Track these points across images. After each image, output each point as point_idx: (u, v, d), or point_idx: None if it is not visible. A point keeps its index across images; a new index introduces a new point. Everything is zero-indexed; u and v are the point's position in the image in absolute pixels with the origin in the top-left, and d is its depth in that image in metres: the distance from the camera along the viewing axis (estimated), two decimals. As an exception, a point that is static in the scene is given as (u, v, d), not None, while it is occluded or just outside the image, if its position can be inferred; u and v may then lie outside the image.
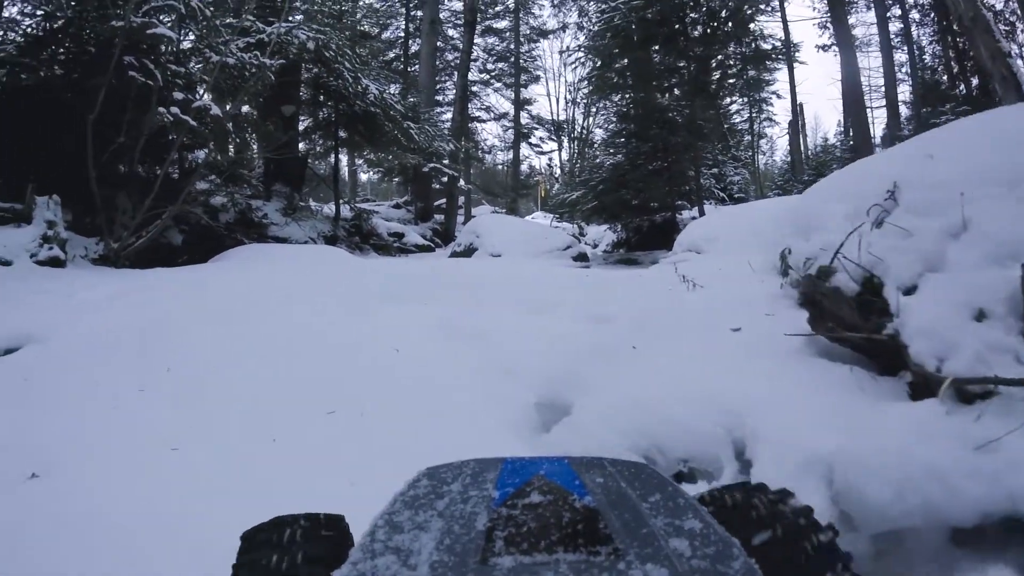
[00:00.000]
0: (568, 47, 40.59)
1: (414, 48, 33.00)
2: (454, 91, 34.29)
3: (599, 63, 22.87)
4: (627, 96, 22.45)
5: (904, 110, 30.06)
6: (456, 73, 32.44)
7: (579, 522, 0.69)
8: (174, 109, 10.63)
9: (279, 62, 12.79)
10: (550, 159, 44.68)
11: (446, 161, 22.52)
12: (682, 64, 19.75)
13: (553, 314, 6.22)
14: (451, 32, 34.32)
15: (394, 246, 19.81)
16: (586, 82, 39.83)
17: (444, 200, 27.34)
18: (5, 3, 12.11)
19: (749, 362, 3.87)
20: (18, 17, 12.31)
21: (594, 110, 42.62)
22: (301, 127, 20.16)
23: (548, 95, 47.14)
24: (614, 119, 24.78)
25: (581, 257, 14.91)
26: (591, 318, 5.96)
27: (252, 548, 0.98)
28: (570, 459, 0.86)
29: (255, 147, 17.68)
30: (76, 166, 10.68)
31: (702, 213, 17.35)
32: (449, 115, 29.22)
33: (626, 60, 20.40)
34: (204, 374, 4.56)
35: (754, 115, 37.34)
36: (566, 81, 62.11)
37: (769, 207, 10.14)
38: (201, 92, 12.05)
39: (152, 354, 5.01)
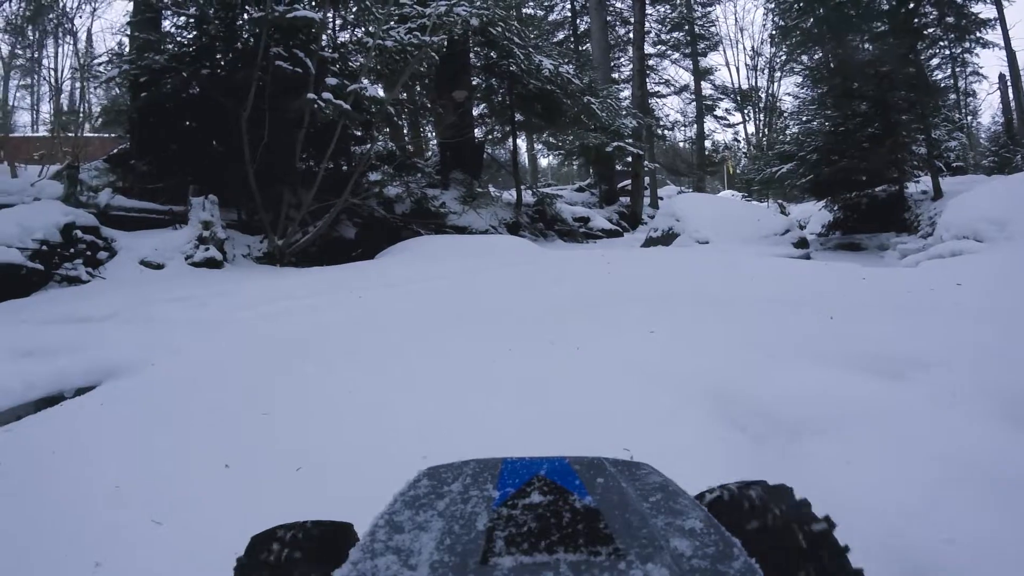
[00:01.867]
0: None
1: (582, 27, 30.91)
2: (629, 67, 32.23)
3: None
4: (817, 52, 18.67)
5: None
6: (631, 47, 30.17)
7: (579, 522, 0.64)
8: (326, 95, 9.22)
9: (441, 39, 11.15)
10: (736, 133, 40.99)
11: (629, 140, 20.39)
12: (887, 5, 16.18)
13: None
14: (618, 5, 31.79)
15: (580, 232, 17.86)
16: (771, 40, 36.70)
17: (629, 181, 25.20)
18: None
19: None
20: (172, 30, 11.47)
21: (778, 75, 38.87)
22: (475, 113, 18.59)
23: (727, 64, 43.13)
24: (809, 80, 20.95)
25: (801, 243, 12.29)
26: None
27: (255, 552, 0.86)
28: (570, 459, 0.79)
29: (428, 134, 16.38)
30: (236, 165, 9.58)
31: (937, 186, 13.93)
32: (626, 93, 26.93)
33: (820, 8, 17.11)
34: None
35: (957, 69, 31.71)
36: (744, 48, 57.67)
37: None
38: (362, 80, 10.62)
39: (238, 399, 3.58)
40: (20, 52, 20.10)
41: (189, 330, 5.31)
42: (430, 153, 18.36)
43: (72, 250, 8.17)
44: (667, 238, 12.41)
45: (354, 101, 9.78)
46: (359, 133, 12.38)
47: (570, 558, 0.58)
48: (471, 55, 16.77)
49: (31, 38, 18.65)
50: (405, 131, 18.05)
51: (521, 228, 16.12)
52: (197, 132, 10.80)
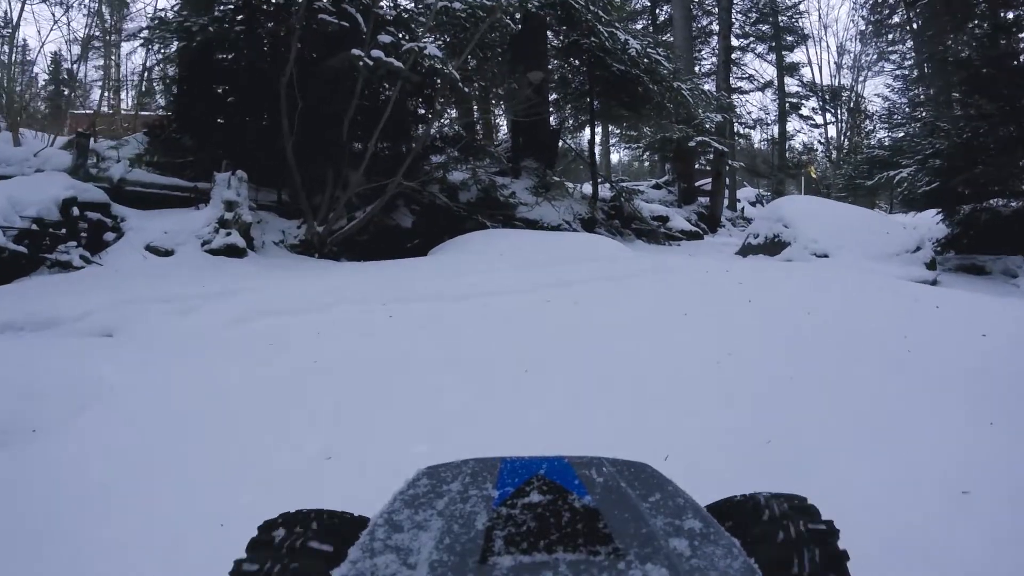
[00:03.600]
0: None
1: (661, 17, 28.70)
2: (709, 61, 29.91)
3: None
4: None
5: None
6: (714, 37, 27.92)
7: (579, 522, 0.63)
8: (376, 52, 7.46)
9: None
10: (821, 134, 38.01)
11: (713, 135, 18.26)
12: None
13: None
14: (699, -7, 29.40)
15: (660, 232, 15.78)
16: (860, 37, 33.88)
17: (708, 180, 23.03)
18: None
19: None
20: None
21: (866, 74, 35.93)
22: (551, 99, 16.62)
23: (809, 63, 40.12)
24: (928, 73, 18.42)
25: (932, 264, 10.09)
26: None
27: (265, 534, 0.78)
28: (569, 458, 0.78)
29: (499, 119, 14.53)
30: (275, 138, 7.95)
31: None
32: (707, 87, 24.70)
33: None
34: None
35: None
36: (827, 47, 54.47)
37: None
38: (423, 39, 8.81)
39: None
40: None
41: (145, 355, 3.66)
42: (500, 139, 16.54)
43: (68, 230, 6.60)
44: (772, 247, 10.29)
45: (412, 64, 8.01)
46: (421, 110, 10.65)
47: (569, 558, 0.57)
48: (548, 34, 14.87)
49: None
50: (475, 111, 16.29)
51: (597, 224, 14.18)
52: (239, 102, 9.19)
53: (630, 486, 0.71)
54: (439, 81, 9.31)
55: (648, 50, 13.62)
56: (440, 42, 10.15)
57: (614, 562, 0.54)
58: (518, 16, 13.62)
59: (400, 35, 8.76)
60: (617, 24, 13.92)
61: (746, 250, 10.97)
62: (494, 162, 13.46)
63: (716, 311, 4.52)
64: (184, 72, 9.53)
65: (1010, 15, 13.80)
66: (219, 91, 9.38)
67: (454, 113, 14.09)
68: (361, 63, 7.40)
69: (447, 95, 10.47)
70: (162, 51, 10.25)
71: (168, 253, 6.81)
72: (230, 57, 9.01)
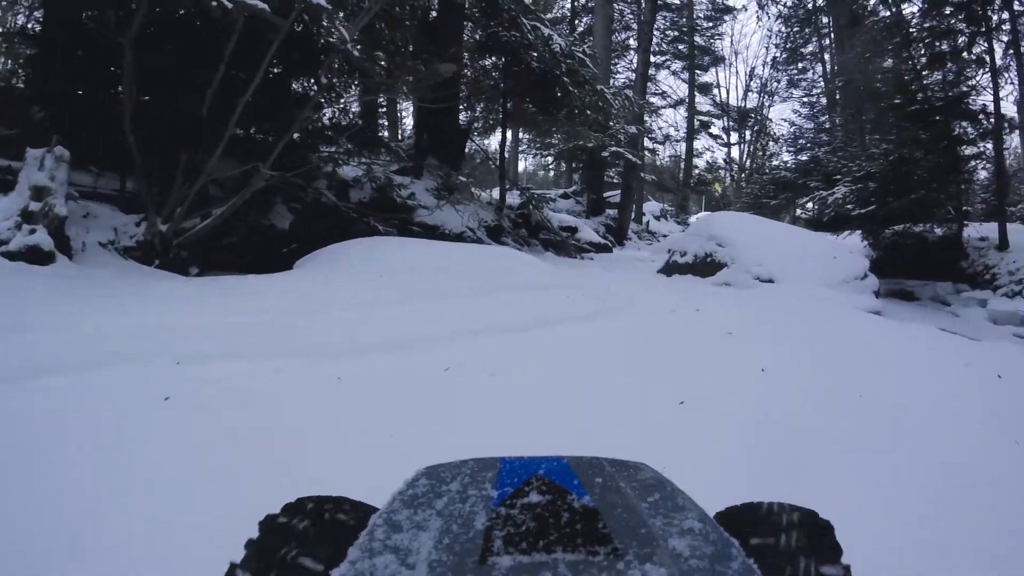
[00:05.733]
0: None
1: (579, 28, 27.78)
2: (625, 75, 29.18)
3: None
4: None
5: None
6: (630, 51, 27.21)
7: (578, 522, 0.62)
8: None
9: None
10: (728, 153, 38.00)
11: (626, 146, 17.37)
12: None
13: None
14: (621, 6, 28.74)
15: (571, 243, 14.59)
16: (773, 63, 34.13)
17: (617, 192, 22.11)
18: None
19: None
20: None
21: (775, 99, 36.17)
22: (462, 95, 15.12)
23: (717, 85, 40.09)
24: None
25: (879, 292, 9.16)
26: None
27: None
28: (569, 459, 0.78)
29: (405, 112, 12.97)
30: (114, 108, 6.26)
31: (1004, 235, 10.93)
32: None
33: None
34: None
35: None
36: (736, 72, 55.43)
37: None
38: None
39: None
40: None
41: None
42: (406, 136, 15.00)
43: None
44: (705, 267, 9.01)
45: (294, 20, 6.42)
46: (310, 87, 9.01)
47: (568, 558, 0.56)
48: (467, 26, 13.46)
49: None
50: (380, 100, 14.72)
51: (503, 233, 12.82)
52: (81, 66, 7.34)
53: (629, 486, 0.70)
54: (327, 54, 7.74)
55: (572, 48, 12.36)
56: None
57: (613, 562, 0.53)
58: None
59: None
60: (542, 18, 12.64)
61: (671, 269, 9.69)
62: (394, 159, 11.94)
63: (731, 397, 3.06)
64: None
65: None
66: (76, 51, 7.50)
67: (354, 100, 12.46)
68: (215, 2, 5.68)
69: (338, 69, 8.84)
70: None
71: (-75, 257, 5.00)
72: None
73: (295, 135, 8.62)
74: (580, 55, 12.37)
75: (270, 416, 2.52)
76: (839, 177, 15.53)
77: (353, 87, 10.37)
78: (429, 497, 0.68)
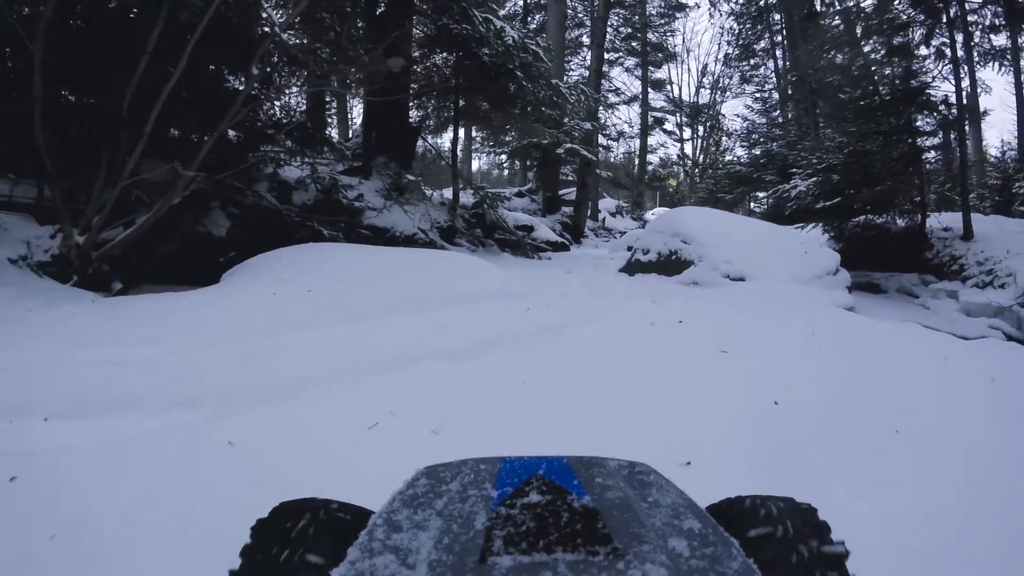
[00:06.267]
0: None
1: (532, 25, 27.47)
2: (579, 72, 28.94)
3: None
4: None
5: None
6: (584, 48, 26.93)
7: (578, 522, 0.63)
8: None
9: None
10: (681, 149, 38.02)
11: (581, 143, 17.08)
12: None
13: None
14: (573, 4, 28.52)
15: (527, 242, 14.17)
16: (725, 60, 34.35)
17: (572, 190, 21.78)
18: None
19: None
20: None
21: (728, 95, 36.32)
22: (411, 91, 14.53)
23: (670, 82, 40.05)
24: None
25: (851, 287, 8.82)
26: None
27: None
28: (569, 458, 0.78)
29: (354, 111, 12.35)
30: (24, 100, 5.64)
31: (968, 225, 10.85)
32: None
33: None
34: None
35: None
36: (687, 69, 55.79)
37: None
38: None
39: None
40: None
41: None
42: (354, 131, 14.39)
43: None
44: (670, 265, 8.60)
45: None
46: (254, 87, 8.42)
47: (568, 558, 0.55)
48: (413, 17, 12.91)
49: None
50: (330, 104, 14.08)
51: (457, 234, 12.33)
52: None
53: (629, 486, 0.70)
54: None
55: (526, 41, 11.92)
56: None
57: (613, 562, 0.53)
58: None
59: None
60: (494, 9, 12.19)
61: (634, 268, 9.29)
62: (340, 158, 11.37)
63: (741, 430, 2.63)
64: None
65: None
66: None
67: (296, 96, 11.84)
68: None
69: (277, 63, 8.24)
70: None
71: None
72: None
73: (231, 134, 8.05)
74: (534, 48, 11.93)
75: (142, 505, 1.94)
76: (796, 171, 15.53)
77: (296, 83, 9.79)
78: (429, 497, 0.67)
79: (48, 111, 5.57)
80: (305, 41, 9.15)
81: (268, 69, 7.69)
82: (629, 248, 9.89)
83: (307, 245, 6.91)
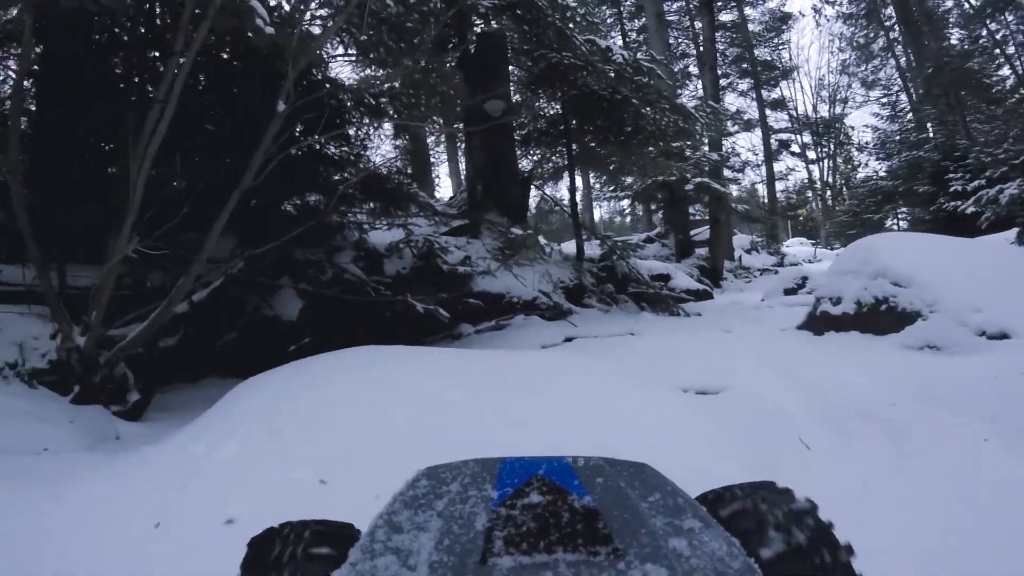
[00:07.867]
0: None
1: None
2: (691, 104, 26.85)
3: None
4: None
5: None
6: (694, 79, 25.00)
7: (578, 522, 0.63)
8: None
9: None
10: (810, 172, 34.83)
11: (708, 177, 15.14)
12: None
13: None
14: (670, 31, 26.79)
15: (665, 294, 11.89)
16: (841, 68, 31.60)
17: (703, 229, 19.55)
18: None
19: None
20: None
21: (848, 107, 33.19)
22: (517, 138, 12.79)
23: (789, 99, 37.19)
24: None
25: None
26: None
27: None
28: (569, 459, 0.78)
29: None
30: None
31: None
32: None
33: None
34: None
35: None
36: (800, 86, 52.77)
37: None
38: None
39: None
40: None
41: None
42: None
43: None
44: (876, 318, 5.96)
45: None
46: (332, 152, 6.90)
47: (569, 558, 0.55)
48: (509, 55, 11.30)
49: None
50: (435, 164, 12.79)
51: (586, 293, 10.34)
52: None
53: (630, 486, 0.69)
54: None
55: (639, 58, 9.99)
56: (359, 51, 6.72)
57: (614, 562, 0.52)
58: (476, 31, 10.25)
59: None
60: (593, 23, 10.45)
61: (819, 323, 6.63)
62: (439, 218, 9.74)
63: None
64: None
65: None
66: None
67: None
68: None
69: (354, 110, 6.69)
70: None
71: None
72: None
73: (313, 198, 6.59)
74: (647, 64, 9.96)
75: None
76: (958, 175, 13.28)
77: (373, 127, 8.19)
78: (429, 498, 0.67)
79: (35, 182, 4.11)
80: (377, 80, 7.63)
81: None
82: (815, 296, 7.20)
83: (366, 349, 3.86)
